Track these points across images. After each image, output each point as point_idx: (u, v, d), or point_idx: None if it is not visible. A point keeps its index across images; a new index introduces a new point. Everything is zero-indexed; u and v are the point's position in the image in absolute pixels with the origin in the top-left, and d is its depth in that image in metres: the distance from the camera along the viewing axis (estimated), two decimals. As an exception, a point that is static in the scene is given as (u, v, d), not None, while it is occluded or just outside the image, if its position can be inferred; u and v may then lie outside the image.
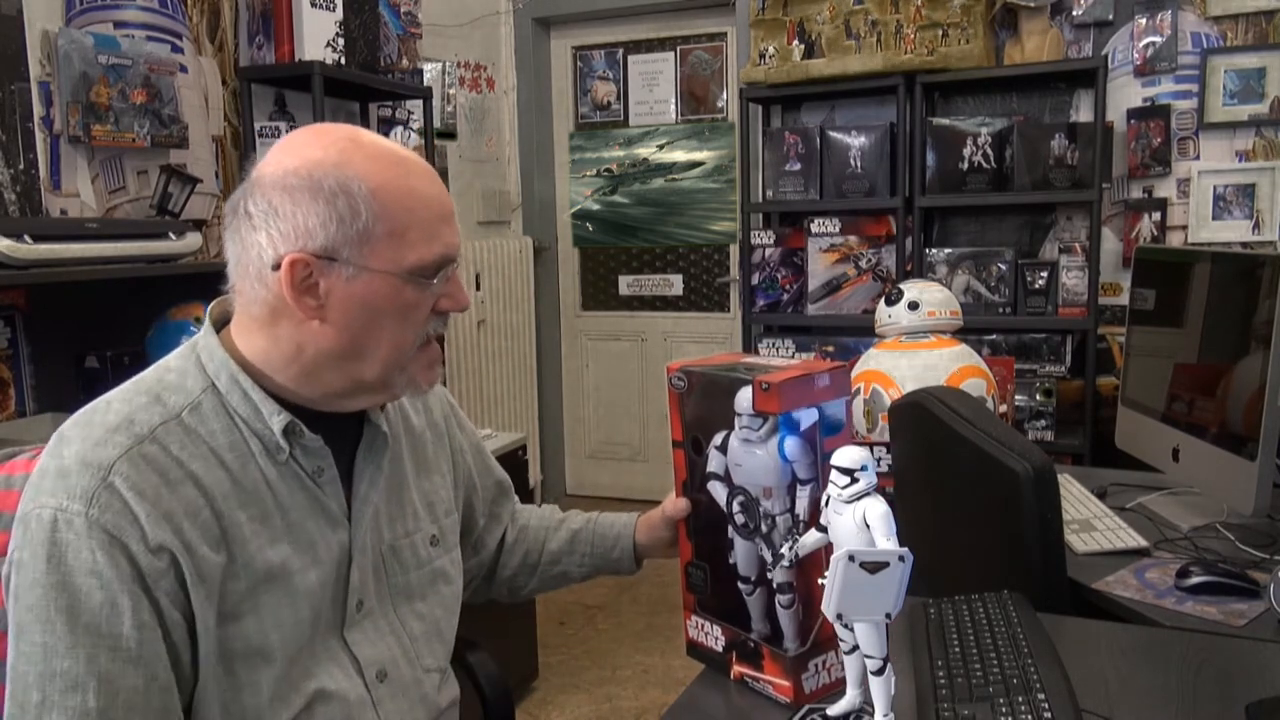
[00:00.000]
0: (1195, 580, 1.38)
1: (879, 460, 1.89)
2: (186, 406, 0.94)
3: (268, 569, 0.93)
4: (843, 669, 0.94)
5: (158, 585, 0.87)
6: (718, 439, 1.06)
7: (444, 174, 3.84)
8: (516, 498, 1.36)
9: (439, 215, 0.98)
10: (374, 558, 1.05)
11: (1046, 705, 0.89)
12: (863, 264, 3.54)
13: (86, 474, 0.87)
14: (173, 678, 0.89)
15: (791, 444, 0.98)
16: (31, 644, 0.85)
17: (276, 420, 0.94)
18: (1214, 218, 3.23)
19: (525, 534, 1.33)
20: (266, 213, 0.92)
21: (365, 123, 3.29)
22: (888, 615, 0.86)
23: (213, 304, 1.02)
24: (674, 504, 1.16)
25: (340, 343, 0.94)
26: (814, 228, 3.57)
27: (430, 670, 1.09)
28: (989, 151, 3.34)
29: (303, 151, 0.93)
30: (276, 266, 0.91)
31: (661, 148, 4.38)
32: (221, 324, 1.01)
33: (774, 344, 3.66)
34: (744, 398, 1.00)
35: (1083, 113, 3.36)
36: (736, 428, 1.02)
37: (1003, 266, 3.35)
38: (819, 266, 3.58)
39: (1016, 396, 3.14)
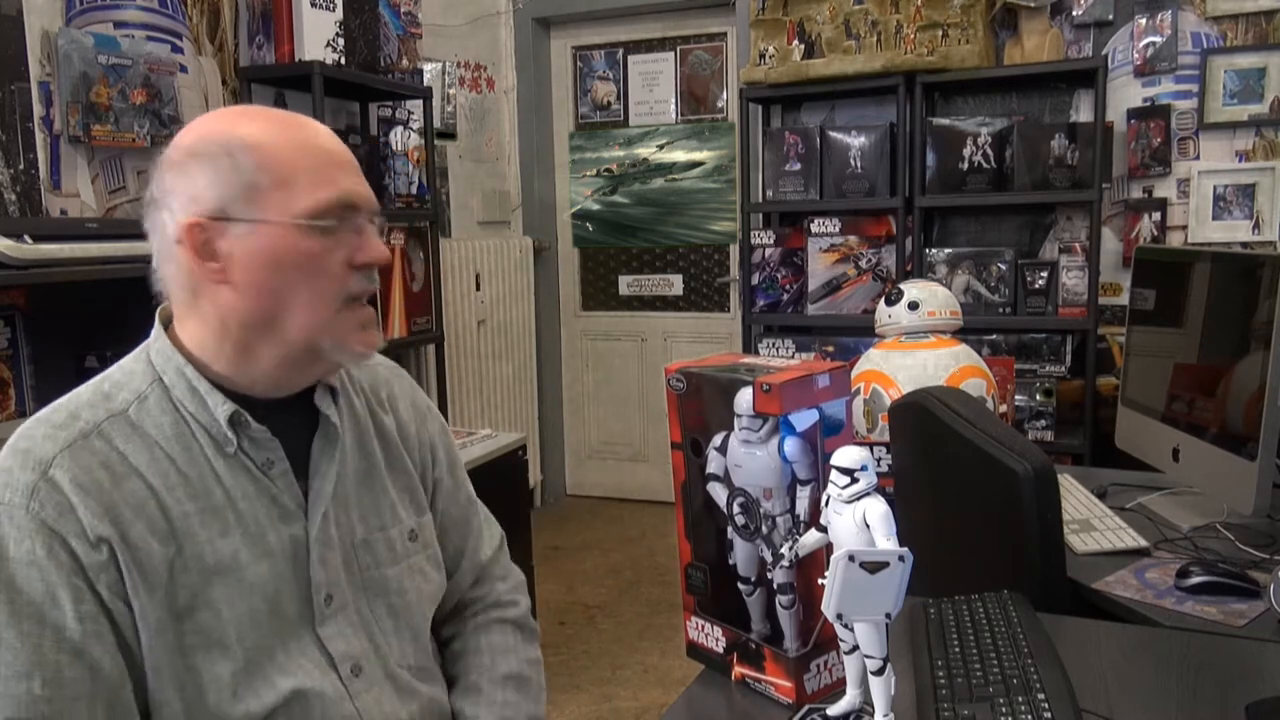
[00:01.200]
0: (1195, 580, 1.38)
1: (879, 460, 1.89)
2: (133, 402, 0.95)
3: (217, 561, 0.93)
4: (843, 669, 0.94)
5: (99, 578, 0.88)
6: (717, 440, 1.05)
7: (444, 174, 3.84)
8: (489, 604, 1.22)
9: (329, 161, 0.96)
10: (344, 551, 1.03)
11: (1046, 705, 0.89)
12: (863, 264, 3.54)
13: (28, 468, 0.89)
14: (123, 669, 0.89)
15: (791, 445, 0.98)
16: None
17: (221, 410, 0.95)
18: (1214, 218, 3.23)
19: (468, 658, 1.18)
20: (165, 191, 0.95)
21: (365, 123, 3.29)
22: (888, 615, 0.86)
23: (160, 306, 1.03)
24: None
25: (254, 307, 0.94)
26: (814, 228, 3.57)
27: (405, 667, 1.07)
28: (989, 151, 3.34)
29: (192, 128, 0.97)
30: (179, 240, 0.93)
31: (661, 148, 4.38)
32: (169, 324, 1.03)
33: (774, 344, 3.66)
34: (744, 399, 1.00)
35: (1083, 113, 3.36)
36: (736, 429, 1.02)
37: (1003, 266, 3.35)
38: (819, 266, 3.58)
39: (1016, 396, 3.14)
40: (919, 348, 2.13)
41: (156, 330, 1.01)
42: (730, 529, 1.06)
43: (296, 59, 2.75)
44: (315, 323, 0.95)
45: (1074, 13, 3.35)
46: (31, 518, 0.87)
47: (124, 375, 0.98)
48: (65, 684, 0.86)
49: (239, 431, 0.96)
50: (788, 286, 3.67)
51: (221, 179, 0.92)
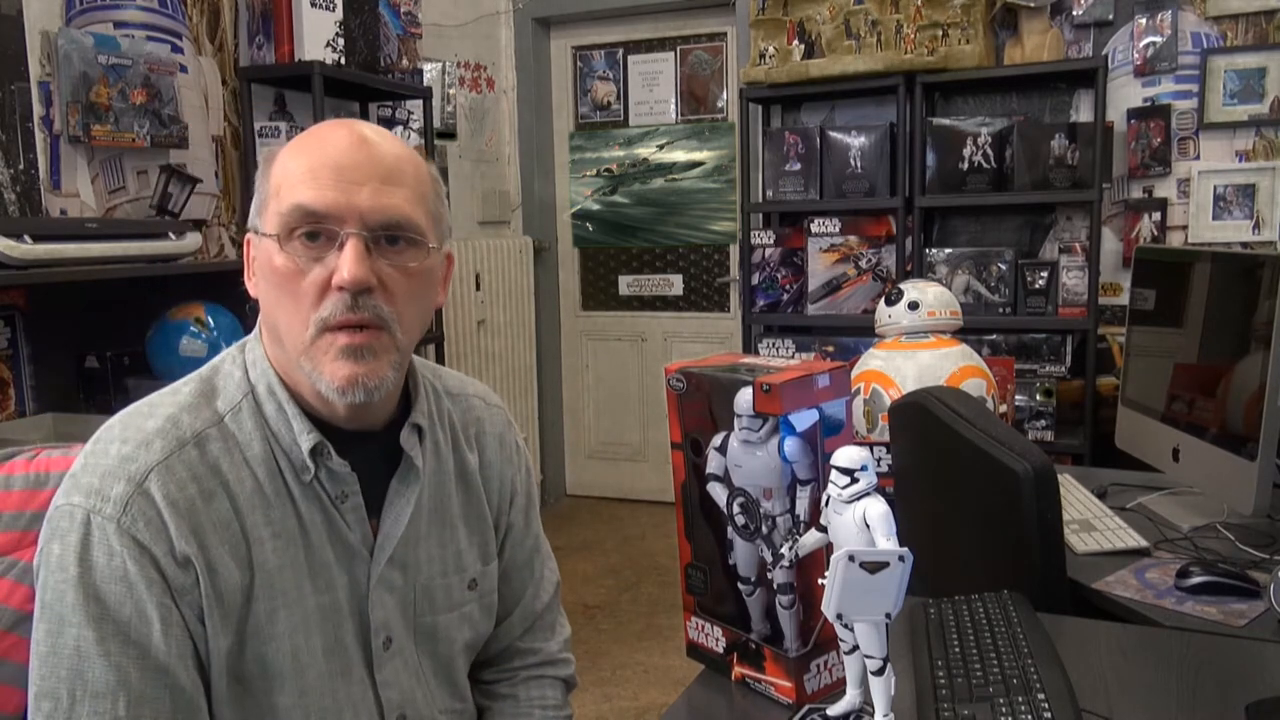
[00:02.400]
0: (1195, 580, 1.38)
1: (879, 460, 1.89)
2: (229, 411, 0.93)
3: (284, 590, 0.92)
4: (843, 669, 0.94)
5: (183, 599, 0.87)
6: (717, 440, 1.05)
7: (444, 174, 3.84)
8: (542, 664, 1.20)
9: (314, 168, 0.88)
10: (404, 594, 1.00)
11: (1046, 705, 0.89)
12: (863, 264, 3.54)
13: (124, 478, 0.86)
14: (201, 691, 0.88)
15: (791, 445, 0.98)
16: (64, 642, 0.85)
17: (305, 439, 0.92)
18: (1214, 218, 3.23)
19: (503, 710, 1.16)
20: None
21: (365, 123, 3.29)
22: (888, 615, 0.86)
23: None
24: None
25: (266, 319, 0.95)
26: (814, 228, 3.57)
27: (443, 712, 1.06)
28: (989, 151, 3.34)
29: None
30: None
31: (661, 148, 4.38)
32: None
33: (774, 344, 3.66)
34: (744, 399, 1.00)
35: (1083, 113, 3.36)
36: (736, 429, 1.02)
37: (1003, 266, 3.35)
38: (819, 266, 3.58)
39: (1016, 396, 3.14)
40: (919, 348, 2.13)
41: (256, 335, 0.98)
42: (730, 529, 1.06)
43: (296, 59, 2.75)
44: (295, 345, 0.90)
45: (1074, 13, 3.35)
46: (123, 532, 0.85)
47: (224, 379, 0.96)
48: (148, 703, 0.85)
49: (319, 461, 0.93)
50: (788, 286, 3.67)
51: (257, 191, 0.94)
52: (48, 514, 0.89)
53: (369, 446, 0.96)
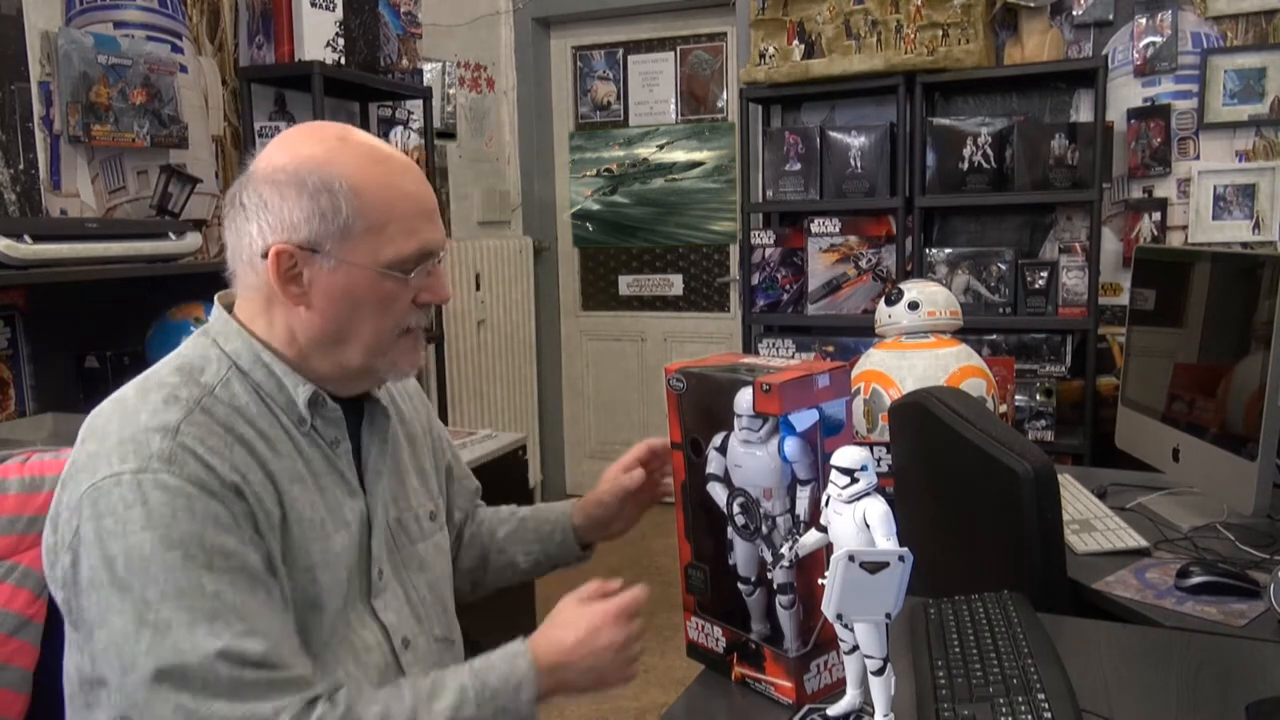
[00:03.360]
0: (1195, 580, 1.38)
1: (879, 460, 1.89)
2: (218, 383, 0.99)
3: (312, 527, 0.99)
4: (843, 669, 0.94)
5: (243, 525, 0.92)
6: (717, 440, 1.05)
7: (444, 174, 3.84)
8: (481, 501, 1.39)
9: (418, 211, 1.01)
10: (385, 530, 1.09)
11: (1046, 705, 0.89)
12: (863, 264, 3.54)
13: (157, 437, 0.91)
14: (280, 598, 0.94)
15: (791, 445, 0.98)
16: (162, 589, 0.86)
17: (302, 391, 1.00)
18: (1214, 218, 3.23)
19: (481, 526, 1.35)
20: (257, 205, 0.98)
21: (365, 122, 3.29)
22: (888, 615, 0.86)
23: (219, 294, 1.07)
24: (630, 476, 1.20)
25: (325, 329, 1.00)
26: (814, 228, 3.57)
27: (439, 639, 1.14)
28: (989, 151, 3.34)
29: (294, 148, 0.99)
30: (265, 255, 0.98)
31: (661, 148, 4.38)
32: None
33: (774, 344, 3.66)
34: (744, 399, 1.00)
35: (1083, 113, 3.36)
36: (736, 429, 1.02)
37: (1003, 266, 3.35)
38: (819, 266, 3.58)
39: (1016, 396, 3.14)
40: (919, 348, 2.13)
41: (220, 315, 1.04)
42: (730, 529, 1.06)
43: (296, 59, 2.75)
44: (374, 349, 1.02)
45: (1074, 13, 3.35)
46: (178, 477, 0.89)
47: (199, 360, 1.01)
48: (260, 613, 0.90)
49: (314, 411, 1.01)
50: (788, 286, 3.67)
51: (319, 215, 0.97)
52: (69, 502, 0.91)
53: (342, 399, 1.06)
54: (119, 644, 0.87)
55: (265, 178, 0.98)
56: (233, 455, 0.94)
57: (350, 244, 0.97)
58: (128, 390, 0.98)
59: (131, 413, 0.94)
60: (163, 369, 1.00)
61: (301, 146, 0.99)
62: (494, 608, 1.44)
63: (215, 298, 1.07)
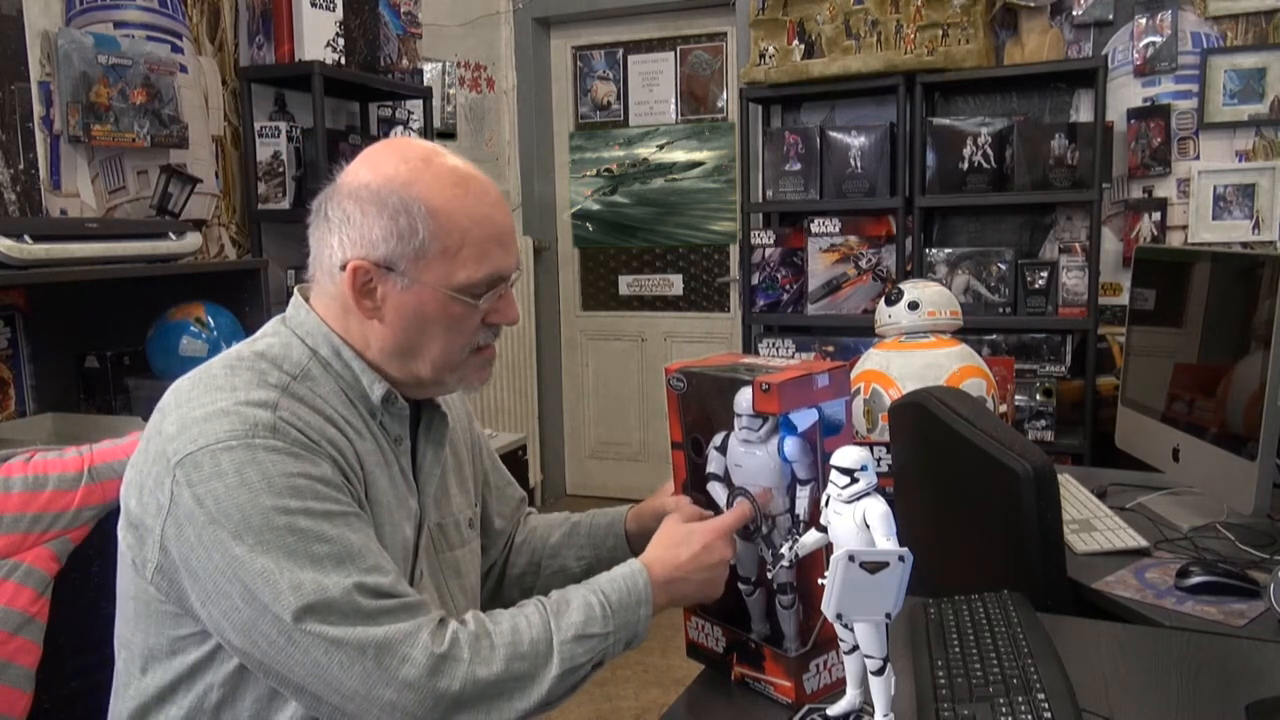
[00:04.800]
0: (1195, 580, 1.38)
1: (879, 460, 1.89)
2: (300, 371, 1.02)
3: (384, 510, 1.03)
4: (843, 669, 0.94)
5: (344, 491, 0.96)
6: (717, 440, 1.06)
7: (444, 174, 3.84)
8: (532, 509, 1.41)
9: (492, 236, 1.04)
10: (430, 532, 1.12)
11: (1046, 705, 0.89)
12: (863, 264, 3.54)
13: (258, 409, 0.94)
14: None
15: (791, 444, 0.98)
16: (283, 543, 0.89)
17: (377, 388, 1.04)
18: (1214, 218, 3.23)
19: (533, 533, 1.36)
20: (340, 219, 1.02)
21: (365, 123, 3.29)
22: (888, 615, 0.86)
23: (299, 285, 1.10)
24: (673, 501, 1.16)
25: (396, 342, 1.04)
26: (814, 228, 3.57)
27: None
28: (989, 151, 3.34)
29: (379, 166, 1.03)
30: (343, 268, 1.02)
31: (661, 148, 4.38)
32: None
33: (774, 344, 3.66)
34: (744, 398, 1.00)
35: (1083, 113, 3.36)
36: (736, 428, 1.02)
37: (1003, 266, 3.35)
38: (819, 266, 3.58)
39: (1016, 396, 3.14)
40: (919, 348, 2.13)
41: (301, 306, 1.07)
42: (730, 529, 1.06)
43: (296, 59, 2.75)
44: (444, 365, 1.05)
45: (1074, 13, 3.35)
46: (285, 443, 0.93)
47: (281, 348, 1.04)
48: (376, 548, 0.94)
49: (385, 407, 1.05)
50: (788, 286, 3.67)
51: (397, 235, 1.00)
52: (158, 474, 0.93)
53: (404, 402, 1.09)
54: (251, 596, 0.89)
55: (350, 193, 1.02)
56: (326, 433, 0.98)
57: (424, 265, 1.00)
58: (213, 368, 1.00)
59: (224, 389, 0.96)
60: (244, 352, 1.03)
61: (386, 165, 1.03)
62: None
63: (295, 289, 1.10)
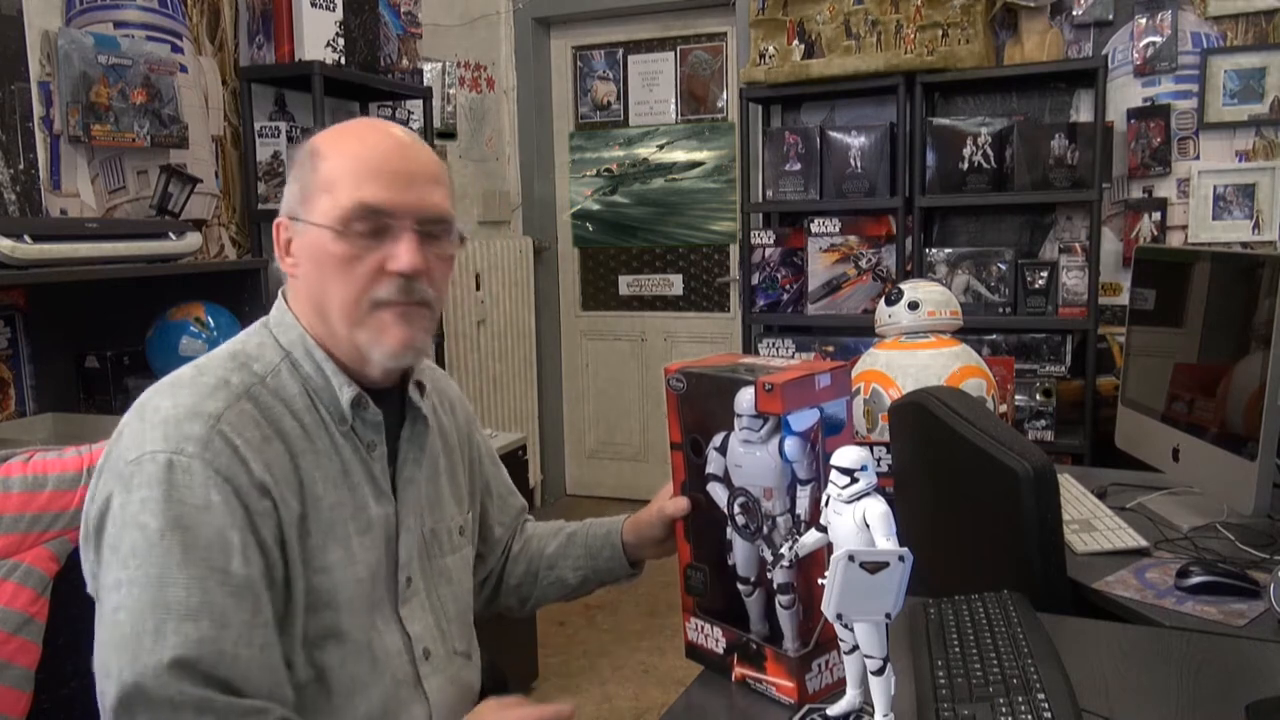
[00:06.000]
0: (1195, 580, 1.38)
1: (879, 460, 1.89)
2: (269, 372, 1.02)
3: (333, 526, 1.00)
4: (844, 669, 0.94)
5: (262, 525, 0.94)
6: (717, 440, 1.05)
7: (444, 174, 3.84)
8: (530, 517, 1.40)
9: (371, 170, 1.00)
10: (419, 538, 1.10)
11: (1046, 705, 0.89)
12: (863, 264, 3.54)
13: (198, 422, 0.94)
14: (272, 615, 0.94)
15: (792, 444, 0.98)
16: (146, 574, 0.89)
17: (346, 392, 1.03)
18: (1214, 218, 3.23)
19: (529, 543, 1.35)
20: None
21: (365, 123, 3.29)
22: (888, 615, 0.86)
23: (283, 287, 1.10)
24: (674, 503, 1.15)
25: (310, 296, 1.03)
26: (814, 228, 3.57)
27: (458, 653, 1.15)
28: (989, 151, 3.34)
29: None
30: (275, 235, 1.05)
31: (661, 148, 4.38)
32: None
33: (774, 344, 3.66)
34: (744, 398, 1.00)
35: (1083, 113, 3.36)
36: (736, 429, 1.02)
37: (1003, 266, 3.35)
38: (819, 266, 3.58)
39: (1016, 396, 3.14)
40: (919, 348, 2.13)
41: (280, 306, 1.07)
42: (730, 529, 1.06)
43: (296, 59, 2.75)
44: (350, 318, 1.01)
45: (1074, 13, 3.35)
46: (207, 466, 0.92)
47: (255, 349, 1.04)
48: (230, 626, 0.90)
49: (355, 412, 1.04)
50: (788, 286, 3.67)
51: (298, 183, 1.03)
52: (109, 472, 0.94)
53: (383, 402, 1.07)
54: (124, 611, 0.89)
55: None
56: (267, 450, 0.96)
57: (310, 205, 1.01)
58: (185, 370, 1.01)
59: (180, 394, 0.97)
60: (221, 353, 1.04)
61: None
62: (496, 619, 1.42)
63: (282, 288, 1.10)
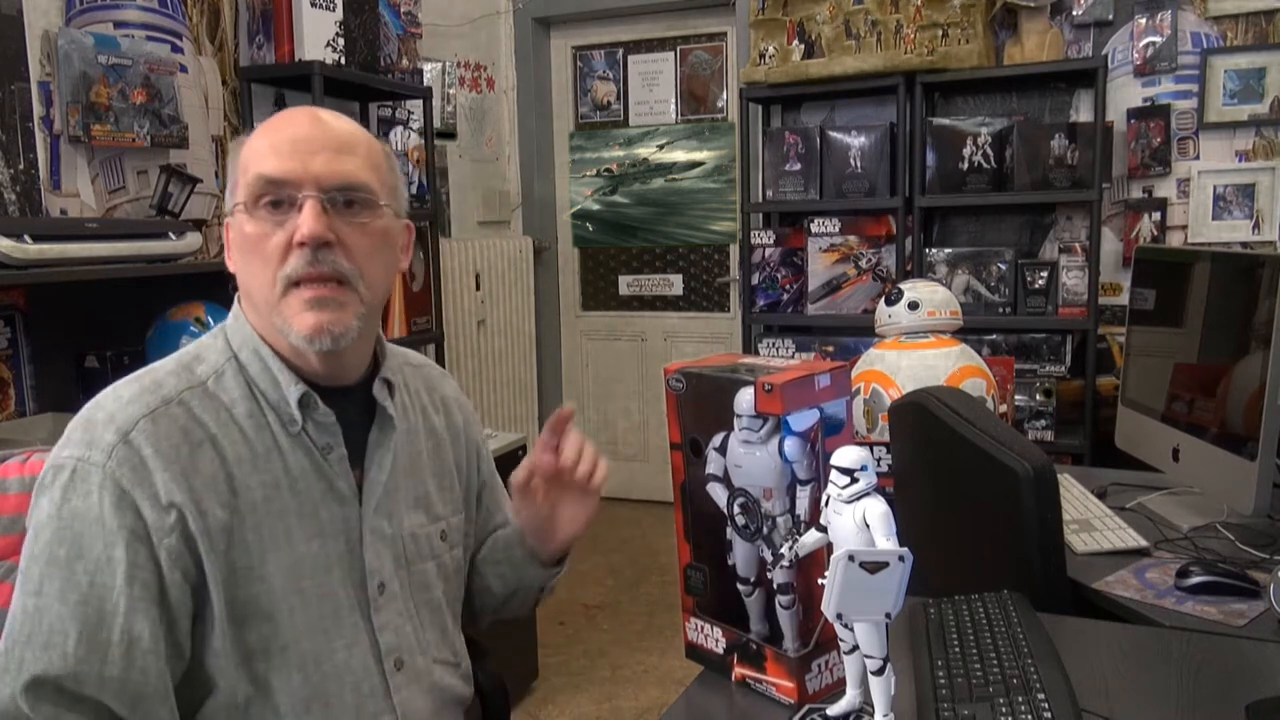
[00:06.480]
0: (1195, 580, 1.38)
1: (879, 460, 1.89)
2: (211, 375, 1.00)
3: (272, 533, 0.97)
4: (844, 669, 0.94)
5: (160, 542, 0.91)
6: (716, 440, 1.05)
7: (444, 174, 3.84)
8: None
9: (270, 145, 0.98)
10: (394, 543, 1.07)
11: (1046, 705, 0.89)
12: (863, 264, 3.54)
13: (110, 428, 0.93)
14: (159, 639, 0.91)
15: (792, 444, 0.98)
16: (30, 581, 0.89)
17: (293, 391, 0.99)
18: (1214, 218, 3.23)
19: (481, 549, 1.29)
20: None
21: (365, 123, 3.29)
22: (888, 615, 0.86)
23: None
24: (515, 473, 1.13)
25: (244, 288, 1.02)
26: (814, 228, 3.57)
27: (439, 661, 1.11)
28: (989, 151, 3.34)
29: None
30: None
31: (661, 148, 4.38)
32: None
33: (774, 344, 3.66)
34: (744, 399, 1.00)
35: (1083, 113, 3.36)
36: (736, 429, 1.02)
37: (1003, 266, 3.35)
38: (819, 266, 3.58)
39: (1016, 396, 3.14)
40: (919, 348, 2.13)
41: (235, 310, 1.05)
42: (730, 529, 1.06)
43: (296, 59, 2.75)
44: (267, 302, 0.98)
45: (1074, 13, 3.35)
46: (107, 476, 0.90)
47: (203, 350, 1.03)
48: (101, 647, 0.88)
49: (305, 413, 1.00)
50: (788, 286, 3.67)
51: (229, 176, 1.01)
52: (41, 472, 0.94)
53: (346, 401, 1.04)
54: (9, 623, 0.90)
55: None
56: (189, 460, 0.93)
57: (232, 195, 1.00)
58: (138, 371, 1.01)
59: (109, 400, 0.96)
60: (176, 354, 1.03)
61: None
62: (493, 627, 1.40)
63: (236, 295, 1.08)
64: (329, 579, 1.00)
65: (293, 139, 0.98)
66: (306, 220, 0.95)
